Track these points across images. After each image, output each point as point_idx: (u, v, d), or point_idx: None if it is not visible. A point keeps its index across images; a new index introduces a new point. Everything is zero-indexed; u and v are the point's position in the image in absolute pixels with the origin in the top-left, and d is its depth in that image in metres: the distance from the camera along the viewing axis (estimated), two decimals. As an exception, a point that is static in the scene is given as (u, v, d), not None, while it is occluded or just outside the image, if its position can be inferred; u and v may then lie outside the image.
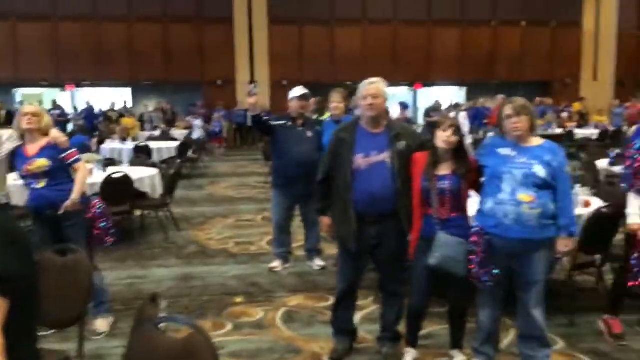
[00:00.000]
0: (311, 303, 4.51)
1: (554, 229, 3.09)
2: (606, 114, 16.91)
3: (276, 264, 5.46)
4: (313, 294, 4.67)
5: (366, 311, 4.24)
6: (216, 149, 16.60)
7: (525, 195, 3.02)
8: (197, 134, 14.82)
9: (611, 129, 14.24)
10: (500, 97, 13.53)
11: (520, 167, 3.07)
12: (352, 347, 3.66)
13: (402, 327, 3.56)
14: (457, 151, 3.22)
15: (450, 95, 20.38)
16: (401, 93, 20.87)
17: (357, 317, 4.20)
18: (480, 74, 20.14)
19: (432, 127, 13.33)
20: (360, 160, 3.31)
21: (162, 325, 2.06)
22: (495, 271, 3.13)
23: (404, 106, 14.05)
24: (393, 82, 19.98)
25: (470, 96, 20.38)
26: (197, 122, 16.06)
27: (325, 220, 3.58)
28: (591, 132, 14.63)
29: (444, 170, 3.21)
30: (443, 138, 3.18)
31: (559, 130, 13.49)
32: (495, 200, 3.11)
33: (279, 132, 5.19)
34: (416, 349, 3.49)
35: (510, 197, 3.05)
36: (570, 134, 13.69)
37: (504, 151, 3.16)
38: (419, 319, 3.46)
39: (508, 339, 3.59)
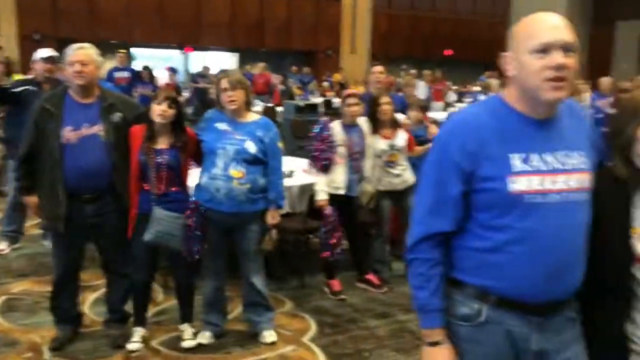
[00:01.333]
0: (38, 288, 4.11)
1: (263, 202, 3.26)
2: (363, 85, 18.55)
3: (2, 245, 4.89)
4: (42, 278, 4.24)
5: (100, 292, 4.00)
6: None
7: (236, 171, 3.14)
8: None
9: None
10: (260, 65, 13.96)
11: (233, 143, 3.16)
12: (77, 333, 3.45)
13: (129, 307, 3.45)
14: (175, 124, 3.17)
15: (222, 61, 20.31)
16: (173, 56, 20.16)
17: (90, 298, 3.99)
18: (250, 41, 20.39)
19: (199, 92, 13.04)
20: (69, 134, 3.06)
21: None
22: (204, 245, 3.21)
23: (172, 71, 13.62)
24: (162, 43, 18.88)
25: (242, 63, 20.57)
26: None
27: (32, 200, 3.26)
28: (347, 102, 15.93)
29: (162, 144, 3.15)
30: (158, 112, 3.10)
31: (320, 99, 14.37)
32: (209, 175, 3.18)
33: (20, 99, 4.58)
34: (145, 326, 3.43)
35: (222, 172, 3.14)
36: (328, 103, 14.72)
37: (221, 126, 3.23)
38: (145, 296, 3.40)
39: (239, 309, 3.72)
